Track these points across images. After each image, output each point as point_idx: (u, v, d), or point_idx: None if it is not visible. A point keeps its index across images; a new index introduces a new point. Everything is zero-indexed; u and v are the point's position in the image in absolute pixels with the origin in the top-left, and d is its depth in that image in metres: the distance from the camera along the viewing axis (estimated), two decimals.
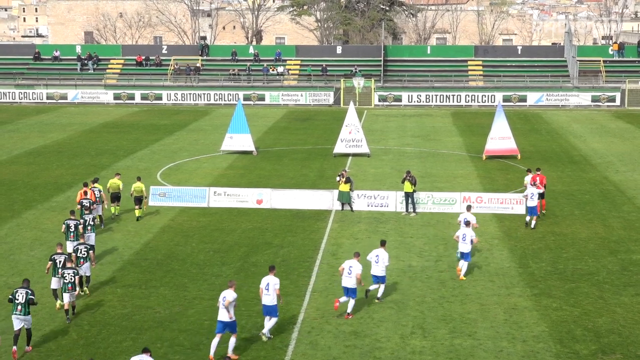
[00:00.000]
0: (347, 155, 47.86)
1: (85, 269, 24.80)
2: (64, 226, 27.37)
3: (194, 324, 22.58)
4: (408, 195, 34.63)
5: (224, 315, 20.51)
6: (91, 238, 27.61)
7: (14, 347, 20.45)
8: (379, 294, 24.37)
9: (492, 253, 29.13)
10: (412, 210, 34.69)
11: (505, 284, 25.91)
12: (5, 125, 62.35)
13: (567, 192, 38.73)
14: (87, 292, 24.95)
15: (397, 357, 20.54)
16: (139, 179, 34.32)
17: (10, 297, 21.20)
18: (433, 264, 27.81)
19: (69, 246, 26.70)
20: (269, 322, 21.47)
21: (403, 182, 34.79)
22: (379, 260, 24.12)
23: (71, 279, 22.74)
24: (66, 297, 22.74)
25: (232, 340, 20.52)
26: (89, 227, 27.84)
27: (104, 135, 57.88)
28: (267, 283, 21.42)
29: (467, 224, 27.01)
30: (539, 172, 34.62)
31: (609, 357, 20.56)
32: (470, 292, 25.11)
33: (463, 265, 26.45)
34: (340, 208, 35.20)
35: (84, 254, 24.84)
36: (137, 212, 33.70)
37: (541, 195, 33.38)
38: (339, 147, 48.14)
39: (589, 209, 35.75)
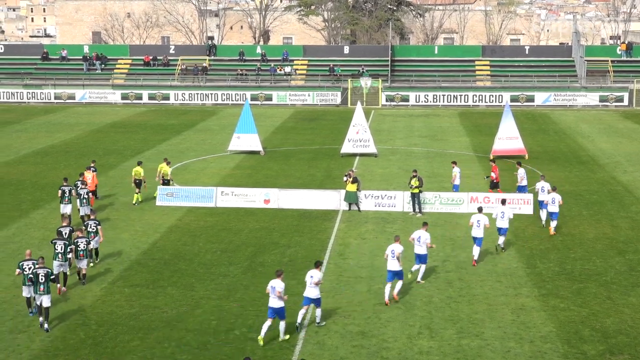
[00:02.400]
0: (354, 155, 47.84)
1: (94, 243, 27.52)
2: (60, 191, 32.37)
3: (201, 323, 22.60)
4: (414, 196, 34.60)
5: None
6: (81, 210, 32.02)
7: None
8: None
9: (499, 253, 29.06)
10: (418, 210, 34.65)
11: (513, 284, 25.87)
12: (13, 125, 62.52)
13: (575, 193, 38.64)
14: (93, 264, 27.40)
15: (405, 357, 20.53)
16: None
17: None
18: (440, 264, 27.78)
19: (63, 209, 32.10)
20: (282, 326, 21.36)
21: (410, 182, 34.70)
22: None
23: (84, 247, 25.66)
24: (81, 263, 25.64)
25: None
26: (84, 200, 32.21)
27: (111, 135, 57.98)
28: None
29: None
30: (493, 163, 37.01)
31: (617, 357, 20.51)
32: (478, 292, 25.08)
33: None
34: (347, 208, 35.19)
35: (94, 229, 27.60)
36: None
37: (495, 185, 35.96)
38: (346, 147, 48.12)
39: (597, 210, 35.66)
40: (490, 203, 34.65)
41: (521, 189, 35.80)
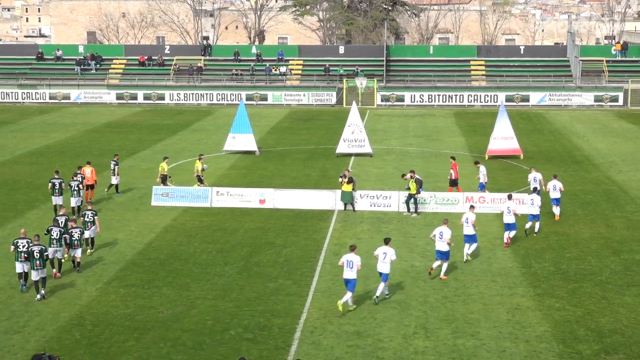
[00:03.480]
0: (349, 155, 47.85)
1: (90, 232, 28.71)
2: (50, 184, 33.90)
3: (196, 323, 22.59)
4: (411, 196, 34.54)
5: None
6: (72, 201, 33.40)
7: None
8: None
9: (494, 253, 29.12)
10: (414, 210, 34.64)
11: (508, 284, 25.90)
12: (8, 126, 62.42)
13: (570, 192, 38.67)
14: (89, 252, 28.59)
15: (400, 357, 20.55)
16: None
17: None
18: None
19: (55, 200, 33.64)
20: (347, 295, 23.32)
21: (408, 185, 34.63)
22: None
23: (78, 236, 26.90)
24: (77, 252, 26.83)
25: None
26: (75, 192, 33.49)
27: (106, 135, 57.93)
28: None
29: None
30: (453, 161, 37.47)
31: (612, 357, 20.55)
32: (473, 292, 25.11)
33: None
34: (343, 208, 35.18)
35: (90, 219, 28.84)
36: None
37: (454, 183, 36.57)
38: (342, 147, 48.14)
39: (592, 209, 35.72)
40: (485, 203, 34.74)
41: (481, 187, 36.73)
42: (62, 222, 27.72)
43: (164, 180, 37.93)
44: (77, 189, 33.66)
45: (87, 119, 66.76)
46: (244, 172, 43.65)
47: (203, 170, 38.39)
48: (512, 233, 29.80)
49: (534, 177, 35.50)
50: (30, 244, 24.60)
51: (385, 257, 24.21)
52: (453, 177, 37.05)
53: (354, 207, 35.15)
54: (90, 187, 35.92)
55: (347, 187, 35.00)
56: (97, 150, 50.61)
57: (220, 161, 47.27)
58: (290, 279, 26.17)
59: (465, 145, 52.94)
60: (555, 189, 33.54)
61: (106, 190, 38.24)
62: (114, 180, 38.19)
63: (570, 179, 41.87)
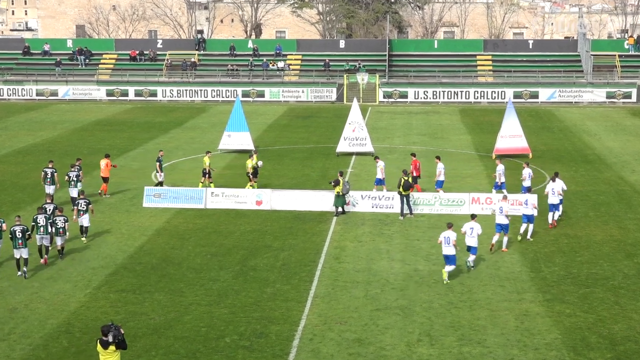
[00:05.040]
0: (350, 154, 47.84)
1: (82, 220, 30.46)
2: (42, 173, 36.05)
3: (190, 331, 22.57)
4: (404, 197, 34.38)
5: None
6: (72, 192, 34.76)
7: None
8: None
9: (502, 257, 29.10)
10: (408, 212, 34.49)
11: (516, 289, 25.88)
12: None
13: (581, 193, 38.68)
14: (85, 241, 30.45)
15: None
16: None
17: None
18: (440, 268, 27.73)
19: (47, 189, 35.36)
20: (450, 268, 26.34)
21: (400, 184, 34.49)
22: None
23: (62, 225, 28.29)
24: (59, 240, 28.45)
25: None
26: (72, 183, 35.12)
27: (96, 133, 57.94)
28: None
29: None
30: (414, 157, 38.28)
31: None
32: (480, 297, 25.08)
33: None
34: (342, 210, 34.93)
35: (84, 207, 30.51)
36: (200, 185, 38.21)
37: (415, 180, 36.78)
38: (342, 146, 48.14)
39: (604, 211, 35.71)
40: (492, 204, 34.69)
41: (524, 189, 36.02)
42: (49, 210, 29.22)
43: (207, 175, 38.68)
44: (74, 179, 35.24)
45: (75, 116, 66.78)
46: (240, 172, 43.56)
47: (258, 166, 38.73)
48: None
49: (529, 173, 36.15)
50: (15, 224, 26.95)
51: (473, 232, 27.35)
52: (414, 175, 37.11)
53: (343, 209, 34.77)
54: (105, 180, 37.80)
55: (337, 189, 34.67)
56: (87, 149, 50.59)
57: (215, 161, 47.22)
58: (288, 283, 26.14)
59: (472, 144, 52.93)
60: (554, 193, 32.78)
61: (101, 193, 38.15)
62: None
63: (582, 179, 41.87)
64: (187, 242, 31.07)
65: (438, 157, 38.61)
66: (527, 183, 36.26)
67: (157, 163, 38.93)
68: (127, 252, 29.71)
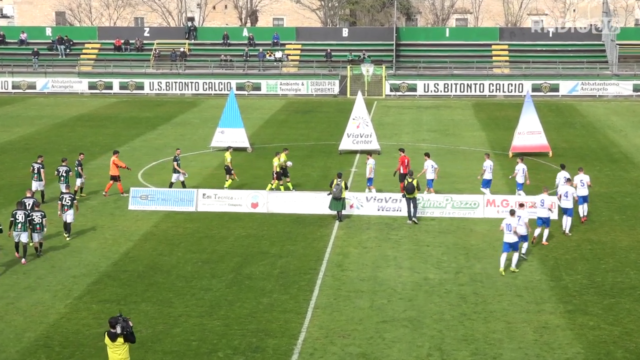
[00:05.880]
0: (354, 152, 47.86)
1: (66, 216, 31.54)
2: (31, 168, 36.98)
3: (180, 344, 22.57)
4: (409, 201, 34.27)
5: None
6: (63, 187, 34.88)
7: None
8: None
9: (520, 264, 29.09)
10: (413, 216, 34.32)
11: (535, 299, 25.88)
12: None
13: (605, 195, 38.69)
14: (68, 238, 31.48)
15: None
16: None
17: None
18: (452, 277, 27.79)
19: (34, 185, 36.39)
20: (516, 256, 28.03)
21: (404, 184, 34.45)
22: (569, 196, 31.63)
23: (39, 220, 29.15)
24: (35, 236, 29.33)
25: (517, 255, 28.02)
26: (62, 178, 36.20)
27: (77, 129, 57.98)
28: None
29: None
30: (402, 153, 38.27)
31: None
32: (495, 308, 25.09)
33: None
34: (338, 216, 34.70)
35: (68, 202, 31.63)
36: (226, 183, 38.97)
37: (403, 177, 36.56)
38: (346, 143, 48.15)
39: (631, 214, 35.72)
40: (509, 207, 34.61)
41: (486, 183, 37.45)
42: (29, 204, 30.04)
43: (228, 171, 39.19)
44: (64, 174, 36.30)
45: (55, 111, 66.84)
46: (236, 171, 43.61)
47: (286, 166, 38.71)
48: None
49: (523, 169, 36.83)
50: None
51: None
52: (401, 172, 37.29)
53: (339, 215, 34.53)
54: (113, 178, 38.28)
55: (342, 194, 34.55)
56: (67, 147, 50.59)
57: (207, 159, 47.28)
58: (286, 293, 26.14)
59: (486, 141, 52.95)
60: (583, 184, 34.05)
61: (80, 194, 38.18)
62: (78, 182, 38.11)
63: (606, 180, 41.88)
64: (177, 248, 31.09)
65: (427, 154, 38.34)
66: (520, 179, 36.85)
67: (174, 162, 38.98)
68: (111, 259, 29.72)
